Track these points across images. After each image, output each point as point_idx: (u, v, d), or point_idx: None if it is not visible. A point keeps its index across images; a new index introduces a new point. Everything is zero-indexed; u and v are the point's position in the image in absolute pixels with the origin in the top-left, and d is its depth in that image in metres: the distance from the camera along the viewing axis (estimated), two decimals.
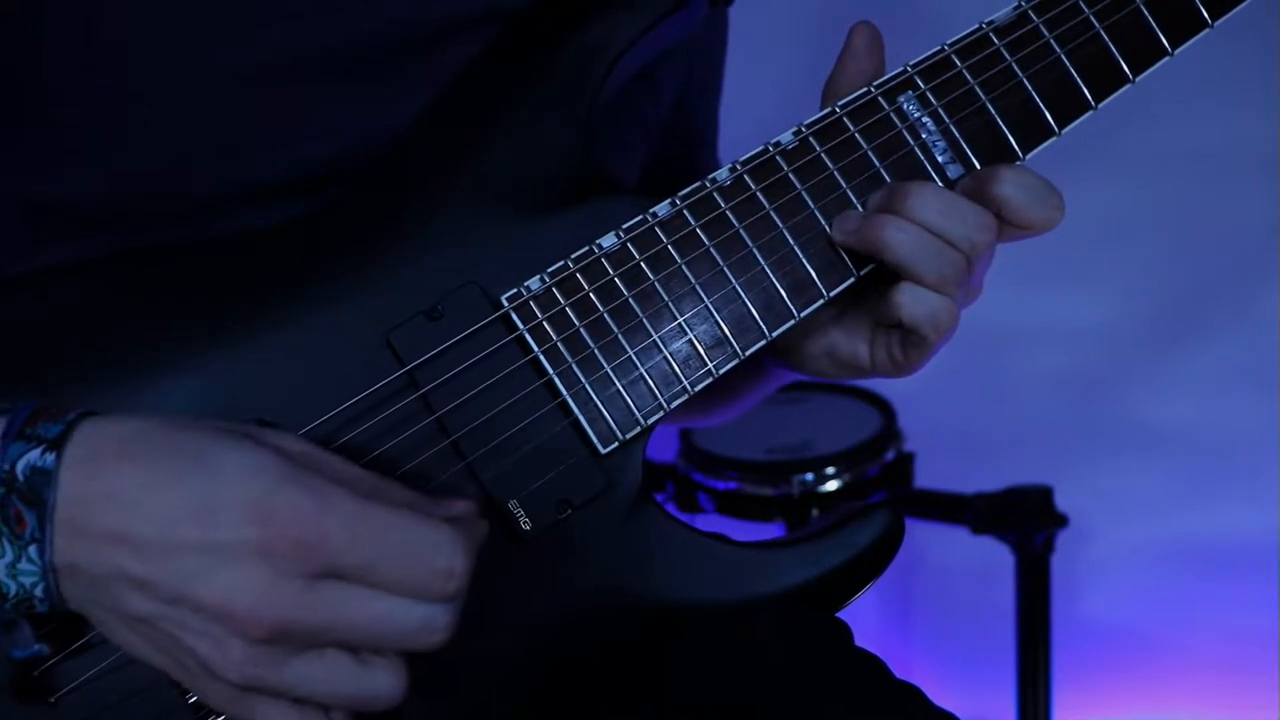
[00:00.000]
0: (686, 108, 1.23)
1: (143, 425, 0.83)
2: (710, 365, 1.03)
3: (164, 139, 1.00)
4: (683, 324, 1.03)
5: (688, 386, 1.03)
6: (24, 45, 0.97)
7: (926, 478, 2.45)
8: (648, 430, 1.02)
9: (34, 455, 0.81)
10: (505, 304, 1.00)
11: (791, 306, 1.04)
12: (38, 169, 1.00)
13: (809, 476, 2.28)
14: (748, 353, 1.04)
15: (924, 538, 2.58)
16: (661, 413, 1.02)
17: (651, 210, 1.03)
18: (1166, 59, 1.11)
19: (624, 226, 1.03)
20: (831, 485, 2.28)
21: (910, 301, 1.04)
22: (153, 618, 0.82)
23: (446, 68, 1.04)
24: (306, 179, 1.02)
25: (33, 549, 0.81)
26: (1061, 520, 2.37)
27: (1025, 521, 2.36)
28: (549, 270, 1.01)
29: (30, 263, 0.99)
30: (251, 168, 1.01)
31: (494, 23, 1.06)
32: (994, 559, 2.43)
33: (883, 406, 2.42)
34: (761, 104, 1.34)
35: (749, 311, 1.04)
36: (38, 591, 0.82)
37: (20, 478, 0.81)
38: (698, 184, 1.04)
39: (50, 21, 0.97)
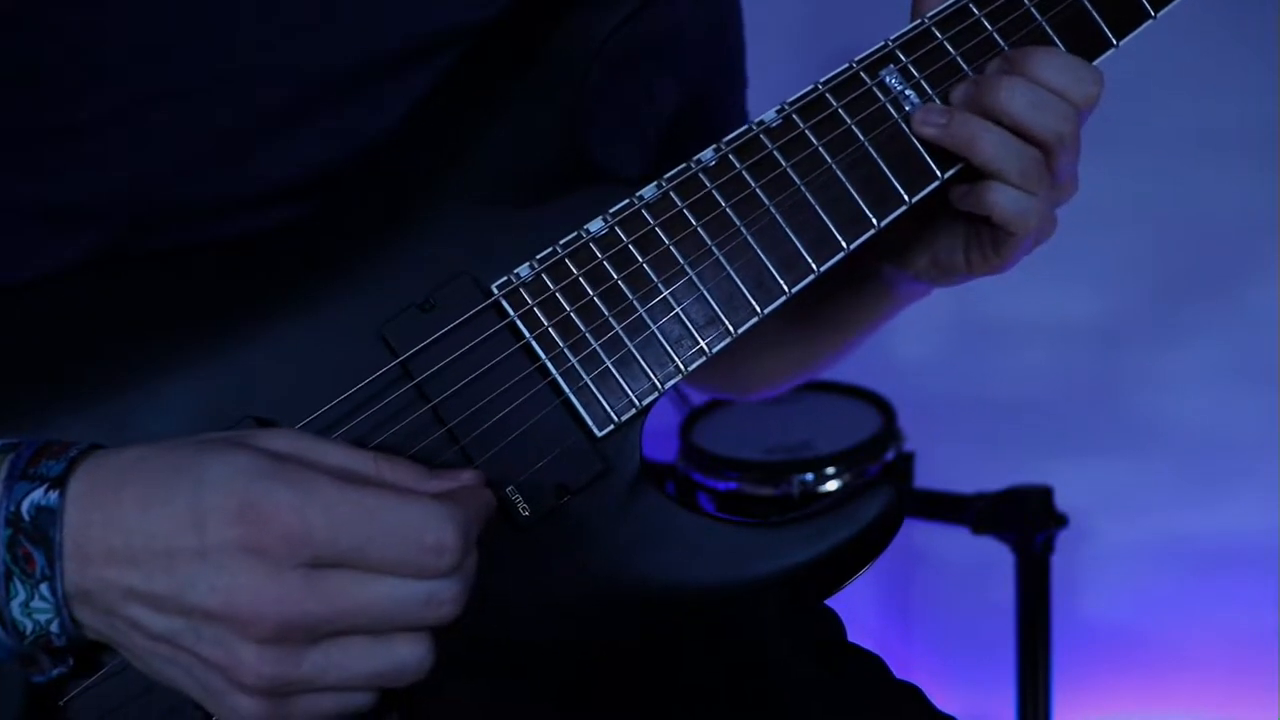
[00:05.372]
0: (701, 116, 1.24)
1: (139, 452, 0.84)
2: (703, 343, 1.03)
3: (164, 145, 1.00)
4: (673, 304, 1.03)
5: (681, 366, 1.03)
6: (28, 52, 0.98)
7: (926, 478, 2.45)
8: (643, 411, 1.02)
9: (38, 495, 0.82)
10: (495, 291, 1.01)
11: (782, 282, 1.05)
12: (39, 173, 1.01)
13: (809, 476, 2.28)
14: (740, 330, 1.04)
15: (924, 538, 2.59)
16: (656, 393, 1.02)
17: (638, 193, 1.04)
18: (1149, 22, 1.12)
19: (611, 210, 1.03)
20: (831, 485, 2.29)
21: (1002, 200, 1.07)
22: (170, 634, 0.82)
23: (443, 73, 1.05)
24: (304, 183, 1.03)
25: (44, 586, 0.82)
26: (1061, 520, 2.37)
27: (1025, 521, 2.36)
28: (538, 257, 1.02)
29: (31, 267, 1.00)
30: (250, 173, 1.02)
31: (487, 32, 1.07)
32: (994, 559, 2.43)
33: (883, 406, 2.43)
34: (751, 95, 1.35)
35: (739, 289, 1.04)
36: (53, 627, 0.83)
37: (26, 518, 0.82)
38: (683, 165, 1.05)
39: (54, 28, 0.98)
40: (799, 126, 1.06)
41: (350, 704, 0.84)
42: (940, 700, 1.14)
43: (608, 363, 1.02)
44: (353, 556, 0.81)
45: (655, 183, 1.04)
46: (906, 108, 1.08)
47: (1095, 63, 1.10)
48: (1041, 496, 2.37)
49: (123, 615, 0.83)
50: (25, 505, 0.82)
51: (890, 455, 2.36)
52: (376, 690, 0.84)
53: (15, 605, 0.83)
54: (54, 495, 0.82)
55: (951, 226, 1.15)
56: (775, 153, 1.06)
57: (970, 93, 1.08)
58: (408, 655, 0.84)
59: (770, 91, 1.13)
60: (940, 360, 2.63)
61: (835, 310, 1.30)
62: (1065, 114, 1.07)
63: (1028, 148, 1.07)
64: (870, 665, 1.15)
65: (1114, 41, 1.11)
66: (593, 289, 1.02)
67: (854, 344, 1.36)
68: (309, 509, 0.81)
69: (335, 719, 0.84)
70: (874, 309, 1.29)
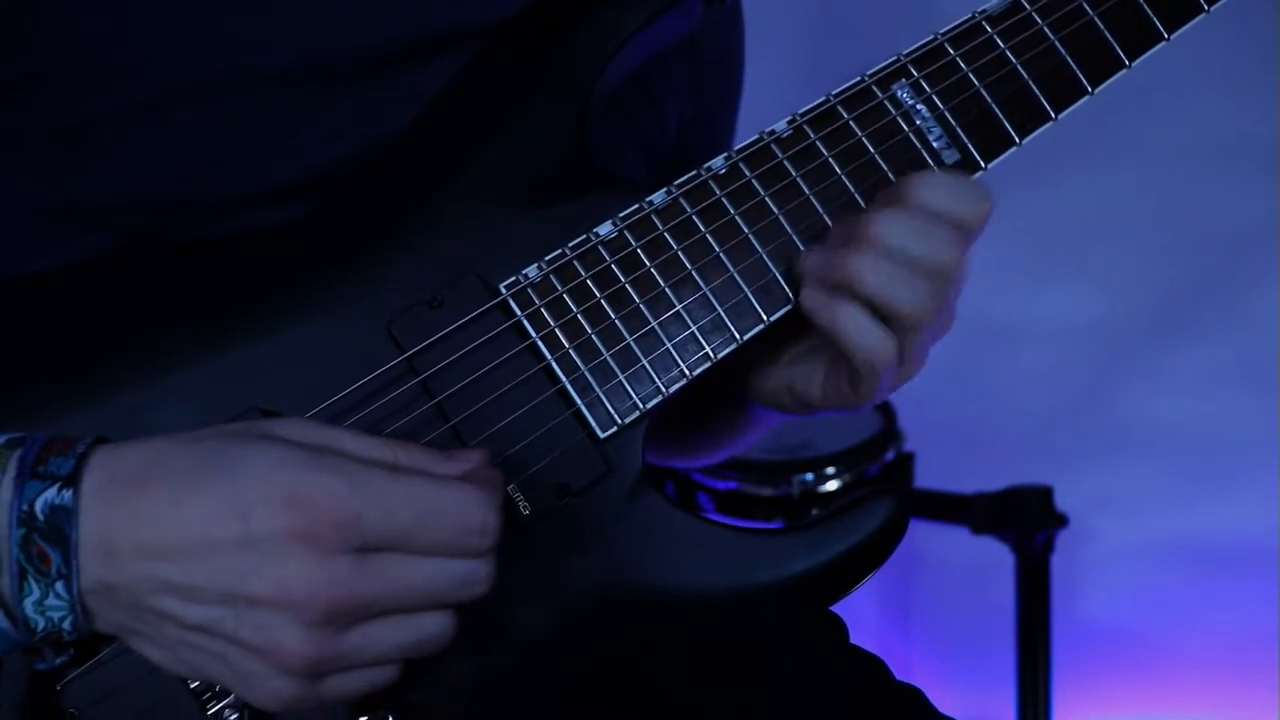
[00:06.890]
0: (699, 129, 1.24)
1: (157, 447, 0.85)
2: (708, 349, 1.04)
3: (165, 146, 1.01)
4: (680, 309, 1.03)
5: (685, 370, 1.03)
6: (30, 53, 0.98)
7: (926, 478, 2.46)
8: (646, 414, 1.03)
9: (51, 494, 0.82)
10: (503, 291, 1.01)
11: (789, 291, 1.05)
12: (41, 173, 1.01)
13: (809, 476, 2.28)
14: (746, 337, 1.04)
15: (924, 538, 2.59)
16: (660, 397, 1.03)
17: (648, 199, 1.04)
18: (1163, 44, 1.12)
19: (620, 215, 1.04)
20: (831, 485, 2.29)
21: (856, 331, 1.01)
22: (206, 623, 0.83)
23: (445, 75, 1.06)
24: (308, 183, 1.03)
25: (59, 585, 0.83)
26: (1061, 520, 2.38)
27: (1025, 521, 2.37)
28: (546, 258, 1.02)
29: (39, 263, 1.00)
30: (255, 172, 1.02)
31: (492, 35, 1.07)
32: (994, 559, 2.44)
33: (883, 406, 2.42)
34: (759, 101, 1.35)
35: (746, 296, 1.04)
36: (66, 625, 0.84)
37: (40, 517, 0.82)
38: (693, 172, 1.05)
39: (56, 29, 0.98)
40: (810, 137, 1.07)
41: (377, 679, 0.87)
42: (940, 701, 1.15)
43: (613, 365, 1.02)
44: (401, 540, 0.84)
45: (665, 189, 1.05)
46: (918, 121, 1.08)
47: (1109, 81, 1.10)
48: (1041, 496, 2.38)
49: (152, 608, 0.84)
50: (39, 504, 0.82)
51: (890, 455, 2.36)
52: (401, 662, 0.87)
53: (29, 603, 0.83)
54: (68, 494, 0.82)
55: (813, 359, 1.09)
56: (785, 162, 1.06)
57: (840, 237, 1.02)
58: (433, 627, 0.87)
59: (776, 102, 1.13)
60: (940, 361, 2.62)
61: (704, 423, 1.28)
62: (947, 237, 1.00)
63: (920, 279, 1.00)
64: (871, 667, 1.15)
65: (1126, 62, 1.11)
66: (600, 291, 1.03)
67: (730, 448, 1.33)
68: (359, 497, 0.83)
69: (360, 693, 0.87)
70: (735, 427, 1.27)
